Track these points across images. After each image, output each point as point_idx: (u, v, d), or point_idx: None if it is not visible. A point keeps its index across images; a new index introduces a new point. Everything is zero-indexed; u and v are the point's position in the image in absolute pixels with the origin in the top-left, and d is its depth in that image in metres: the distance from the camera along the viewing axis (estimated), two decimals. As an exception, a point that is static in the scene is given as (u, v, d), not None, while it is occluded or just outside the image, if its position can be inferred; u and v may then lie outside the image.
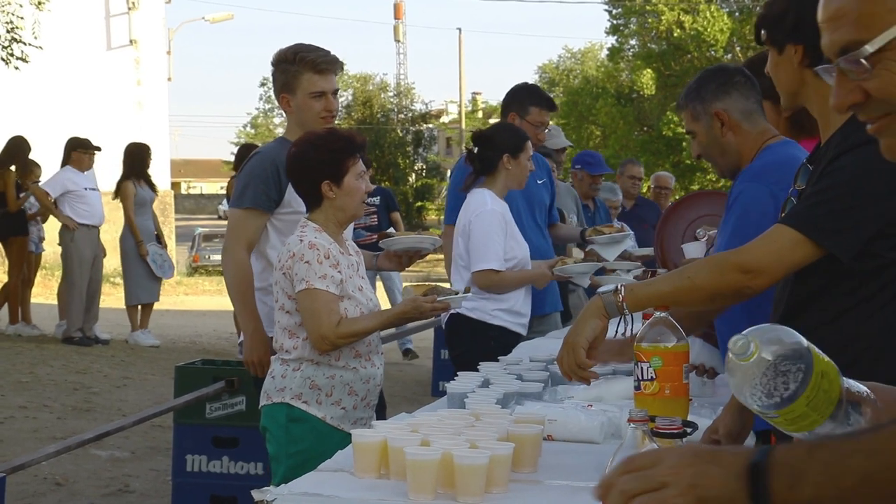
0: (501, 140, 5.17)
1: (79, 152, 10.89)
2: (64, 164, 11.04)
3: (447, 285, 4.73)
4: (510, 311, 5.10)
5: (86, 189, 10.88)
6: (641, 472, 1.40)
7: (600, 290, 2.73)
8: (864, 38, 1.40)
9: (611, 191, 8.96)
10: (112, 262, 12.24)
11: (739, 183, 3.18)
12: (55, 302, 11.68)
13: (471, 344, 5.13)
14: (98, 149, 11.05)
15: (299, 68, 4.29)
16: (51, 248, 12.07)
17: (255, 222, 4.28)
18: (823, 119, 2.49)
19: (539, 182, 5.82)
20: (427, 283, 4.05)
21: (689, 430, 2.37)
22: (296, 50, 4.34)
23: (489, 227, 4.99)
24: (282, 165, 4.13)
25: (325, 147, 3.81)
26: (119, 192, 11.12)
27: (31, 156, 11.37)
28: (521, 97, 5.89)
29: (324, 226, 3.82)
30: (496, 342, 4.98)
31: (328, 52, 4.36)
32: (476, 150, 5.14)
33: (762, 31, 2.59)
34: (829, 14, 1.45)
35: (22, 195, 11.11)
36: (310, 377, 3.78)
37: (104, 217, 11.17)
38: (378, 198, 10.73)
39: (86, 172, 10.95)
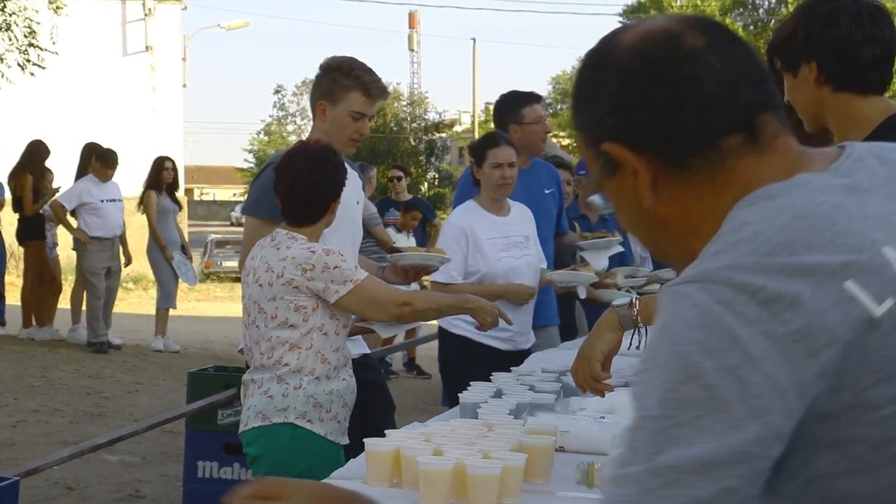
0: (473, 149, 5.18)
1: (100, 164, 10.98)
2: (81, 168, 11.13)
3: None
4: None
5: (102, 201, 10.87)
6: (261, 502, 1.36)
7: (615, 303, 2.72)
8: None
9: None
10: (128, 268, 12.28)
11: None
12: (68, 306, 11.73)
13: (442, 352, 5.30)
14: (117, 162, 11.17)
15: (351, 83, 4.20)
16: (64, 253, 12.11)
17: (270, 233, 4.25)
18: (842, 134, 2.49)
19: (546, 192, 5.78)
20: None
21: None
22: (352, 65, 4.24)
23: (445, 240, 5.06)
24: None
25: (343, 166, 3.87)
26: (142, 202, 11.37)
27: (47, 161, 11.43)
28: (508, 106, 5.78)
29: (310, 240, 3.79)
30: (458, 351, 5.04)
31: (381, 80, 4.31)
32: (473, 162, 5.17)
33: (776, 60, 2.59)
34: None
35: (40, 200, 11.18)
36: (312, 395, 3.68)
37: (122, 227, 11.21)
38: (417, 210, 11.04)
39: (106, 183, 10.96)
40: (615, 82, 1.33)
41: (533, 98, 5.80)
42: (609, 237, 5.78)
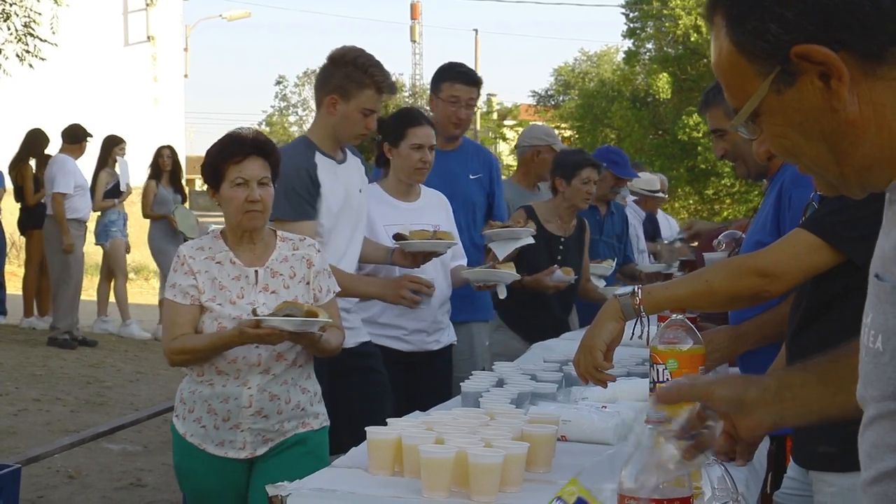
0: (384, 129, 4.70)
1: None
2: (102, 160, 11.16)
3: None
4: (373, 321, 4.55)
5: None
6: None
7: (617, 292, 2.72)
8: (739, 106, 1.45)
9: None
10: (130, 257, 12.26)
11: (790, 189, 3.14)
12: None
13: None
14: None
15: (365, 80, 4.14)
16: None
17: (309, 231, 4.06)
18: None
19: (472, 177, 5.41)
20: (291, 303, 3.47)
21: (705, 431, 2.37)
22: (367, 62, 4.17)
23: None
24: (312, 169, 4.14)
25: (211, 151, 3.59)
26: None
27: (48, 151, 11.41)
28: (436, 76, 5.45)
29: (228, 235, 3.62)
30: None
31: (390, 75, 4.27)
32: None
33: None
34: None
35: (42, 189, 11.14)
36: (181, 391, 3.63)
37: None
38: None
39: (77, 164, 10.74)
40: None
41: (459, 77, 5.38)
42: (518, 227, 5.14)
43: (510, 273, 4.76)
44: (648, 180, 9.34)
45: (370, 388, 4.33)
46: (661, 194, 9.18)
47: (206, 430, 3.55)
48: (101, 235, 11.29)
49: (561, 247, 5.64)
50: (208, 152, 3.58)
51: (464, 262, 5.04)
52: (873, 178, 1.38)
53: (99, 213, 11.34)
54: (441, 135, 5.14)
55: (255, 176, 3.51)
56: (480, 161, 5.51)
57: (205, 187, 3.80)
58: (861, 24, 1.31)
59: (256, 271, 3.55)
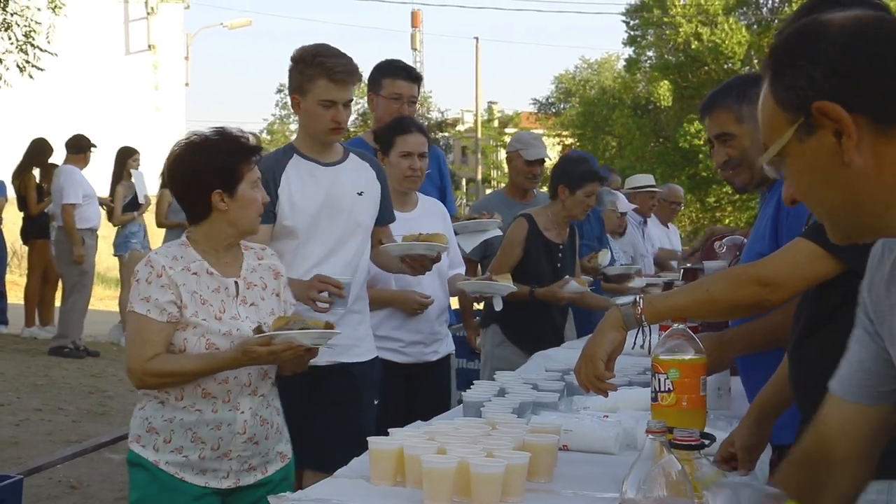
0: (382, 139, 4.75)
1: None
2: (117, 174, 11.16)
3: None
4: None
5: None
6: None
7: (618, 301, 2.72)
8: (769, 145, 1.64)
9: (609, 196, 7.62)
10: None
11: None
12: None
13: None
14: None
15: (315, 72, 4.00)
16: (97, 260, 12.09)
17: (263, 236, 3.92)
18: None
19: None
20: (293, 316, 3.32)
21: (706, 441, 2.37)
22: (315, 52, 4.04)
23: None
24: (274, 172, 4.00)
25: (215, 150, 3.26)
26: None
27: (51, 160, 11.43)
28: (375, 73, 5.27)
29: (202, 242, 3.29)
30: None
31: (349, 62, 4.05)
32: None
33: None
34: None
35: (45, 199, 11.15)
36: (148, 418, 3.23)
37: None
38: None
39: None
40: (836, 50, 1.56)
41: (398, 72, 5.24)
42: (484, 219, 4.98)
43: (507, 285, 4.71)
44: (638, 179, 9.37)
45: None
46: (655, 189, 9.14)
47: (187, 460, 3.21)
48: (121, 246, 11.29)
49: (560, 254, 5.64)
50: (216, 150, 3.25)
51: (461, 270, 5.00)
52: (891, 217, 1.58)
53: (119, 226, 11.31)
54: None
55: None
56: (430, 156, 5.32)
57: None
58: (880, 92, 1.53)
59: (236, 282, 3.29)
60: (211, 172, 3.23)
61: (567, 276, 5.45)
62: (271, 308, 3.34)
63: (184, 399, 3.20)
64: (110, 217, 11.21)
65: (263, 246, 3.53)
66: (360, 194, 4.17)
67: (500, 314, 5.25)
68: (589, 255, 6.39)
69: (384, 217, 4.30)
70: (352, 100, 4.09)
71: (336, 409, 4.08)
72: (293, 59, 4.10)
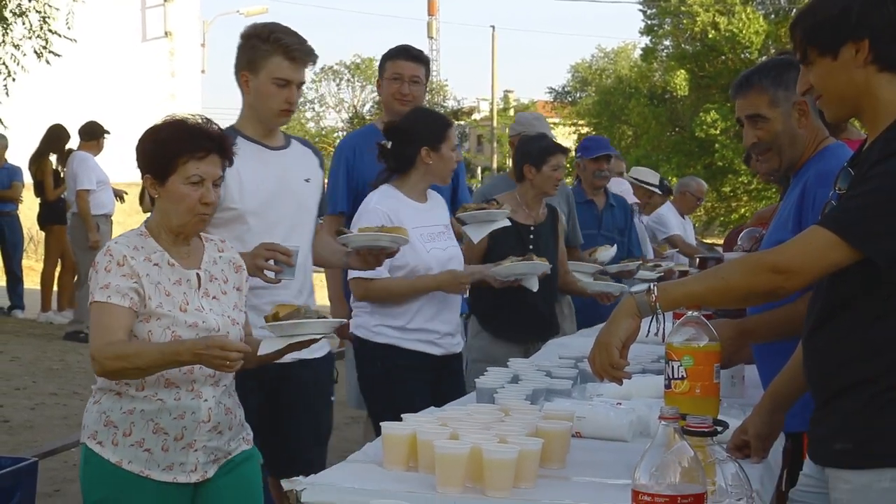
0: (419, 132, 4.51)
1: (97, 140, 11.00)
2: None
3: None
4: (404, 328, 4.45)
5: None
6: None
7: (633, 289, 2.72)
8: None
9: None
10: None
11: (814, 188, 3.12)
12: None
13: (364, 366, 4.57)
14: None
15: (270, 49, 3.88)
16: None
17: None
18: (873, 122, 2.45)
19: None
20: (291, 305, 3.24)
21: (719, 428, 2.37)
22: (272, 29, 3.92)
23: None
24: None
25: (152, 137, 3.15)
26: None
27: (67, 146, 11.45)
28: (381, 61, 5.28)
29: (155, 231, 3.18)
30: (388, 363, 4.42)
31: (305, 41, 3.95)
32: (391, 145, 4.54)
33: (806, 45, 2.50)
34: None
35: (62, 184, 11.16)
36: (105, 412, 3.11)
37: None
38: None
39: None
40: None
41: (401, 54, 5.22)
42: (492, 209, 4.88)
43: (542, 264, 4.72)
44: (644, 172, 9.30)
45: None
46: (656, 190, 9.06)
47: (150, 454, 3.08)
48: None
49: (531, 236, 5.45)
50: (156, 137, 3.14)
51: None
52: None
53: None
54: (388, 114, 5.07)
55: (213, 175, 3.13)
56: None
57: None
58: None
59: (198, 274, 3.18)
60: (143, 156, 3.15)
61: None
62: (234, 302, 3.24)
63: (145, 389, 3.07)
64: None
65: (223, 238, 3.42)
66: (307, 181, 4.09)
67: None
68: (590, 249, 6.21)
69: (323, 208, 4.24)
70: (304, 82, 4.01)
71: (300, 407, 4.04)
72: (244, 35, 3.99)
